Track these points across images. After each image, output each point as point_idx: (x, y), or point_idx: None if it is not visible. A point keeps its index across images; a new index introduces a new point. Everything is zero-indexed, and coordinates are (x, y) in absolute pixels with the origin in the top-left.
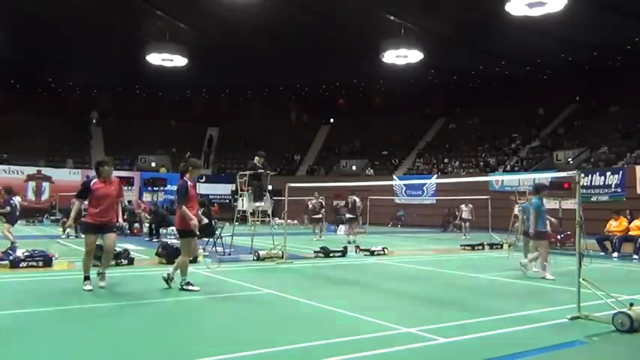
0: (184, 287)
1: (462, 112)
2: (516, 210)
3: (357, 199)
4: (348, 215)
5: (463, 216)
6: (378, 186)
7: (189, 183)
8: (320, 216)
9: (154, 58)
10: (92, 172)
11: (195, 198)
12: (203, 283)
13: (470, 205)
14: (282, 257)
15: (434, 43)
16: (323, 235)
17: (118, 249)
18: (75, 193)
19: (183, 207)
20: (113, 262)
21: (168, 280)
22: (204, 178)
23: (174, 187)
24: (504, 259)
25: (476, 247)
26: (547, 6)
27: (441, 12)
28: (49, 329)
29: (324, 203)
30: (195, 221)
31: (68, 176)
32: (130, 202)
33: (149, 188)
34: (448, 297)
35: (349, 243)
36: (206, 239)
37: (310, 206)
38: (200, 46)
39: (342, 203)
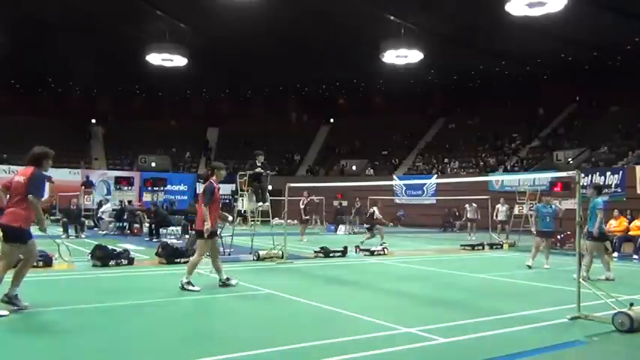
0: (185, 287)
1: (462, 112)
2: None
3: (377, 210)
4: (366, 225)
5: (468, 216)
6: (378, 186)
7: (215, 185)
8: (309, 217)
9: (154, 58)
10: (91, 172)
11: (217, 201)
12: (203, 283)
13: (474, 205)
14: (282, 257)
15: (434, 44)
16: (304, 237)
17: (117, 249)
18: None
19: (204, 207)
20: (113, 262)
21: (183, 287)
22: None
23: (174, 187)
24: (504, 259)
25: (476, 247)
26: (547, 6)
27: (441, 12)
28: (48, 329)
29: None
30: (208, 226)
31: (68, 176)
32: (130, 201)
33: (149, 188)
34: (448, 297)
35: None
36: None
37: (302, 206)
38: (200, 46)
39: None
